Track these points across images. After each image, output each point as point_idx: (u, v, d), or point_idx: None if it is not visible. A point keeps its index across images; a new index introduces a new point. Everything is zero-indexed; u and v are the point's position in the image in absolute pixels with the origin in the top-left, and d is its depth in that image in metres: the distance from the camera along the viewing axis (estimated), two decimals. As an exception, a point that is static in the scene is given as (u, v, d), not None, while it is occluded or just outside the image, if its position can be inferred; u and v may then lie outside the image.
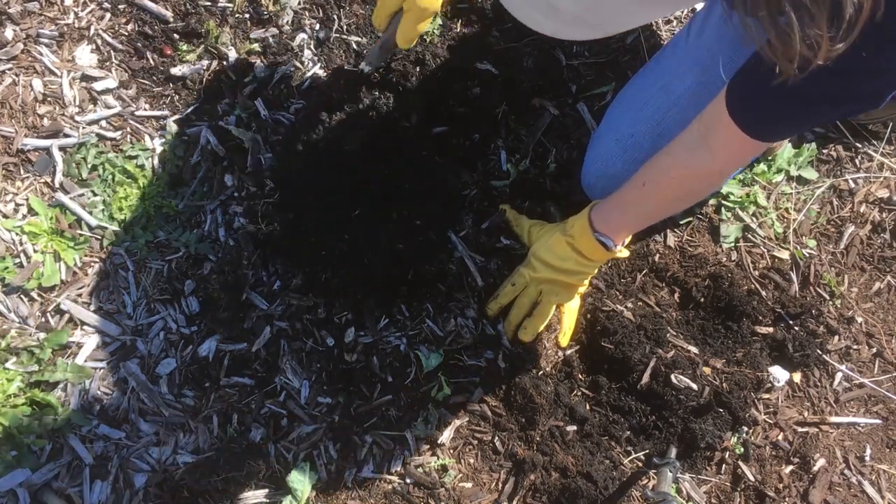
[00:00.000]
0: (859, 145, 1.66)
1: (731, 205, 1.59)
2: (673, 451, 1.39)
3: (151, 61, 1.62)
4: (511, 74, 1.61)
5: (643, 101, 1.44)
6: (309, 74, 1.61)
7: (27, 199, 1.50)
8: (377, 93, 1.57)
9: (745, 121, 1.01)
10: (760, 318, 1.49)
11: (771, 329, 1.50)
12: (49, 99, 1.57)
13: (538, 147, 1.59)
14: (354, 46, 1.63)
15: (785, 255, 1.57)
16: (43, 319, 1.44)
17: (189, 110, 1.59)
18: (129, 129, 1.58)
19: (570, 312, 1.43)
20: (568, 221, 1.38)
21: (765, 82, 0.92)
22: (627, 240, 1.38)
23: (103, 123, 1.57)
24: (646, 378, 1.42)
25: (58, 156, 1.53)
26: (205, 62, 1.61)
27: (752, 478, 1.42)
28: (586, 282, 1.42)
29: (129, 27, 1.63)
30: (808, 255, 1.57)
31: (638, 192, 1.25)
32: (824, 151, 1.66)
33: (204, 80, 1.60)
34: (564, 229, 1.36)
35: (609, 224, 1.31)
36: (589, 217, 1.32)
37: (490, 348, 1.47)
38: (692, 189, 1.24)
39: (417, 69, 1.60)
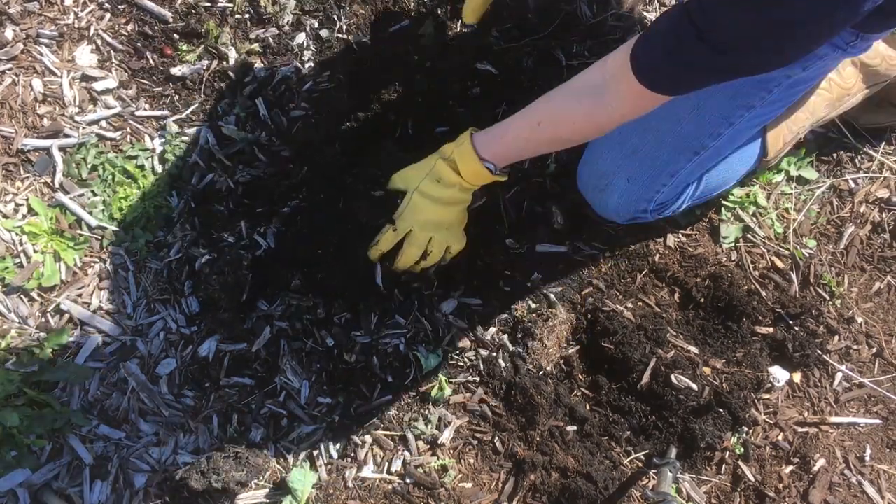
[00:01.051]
0: (859, 145, 1.66)
1: (731, 205, 1.59)
2: (673, 451, 1.39)
3: (151, 61, 1.62)
4: (511, 74, 1.61)
5: None
6: (310, 76, 1.61)
7: (27, 199, 1.50)
8: (378, 93, 1.57)
9: (651, 80, 1.05)
10: (760, 318, 1.49)
11: (771, 329, 1.50)
12: (49, 99, 1.57)
13: (538, 147, 1.59)
14: (354, 47, 1.63)
15: (785, 254, 1.57)
16: (43, 319, 1.44)
17: (189, 110, 1.59)
18: (129, 129, 1.58)
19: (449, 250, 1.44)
20: (443, 149, 1.37)
21: (667, 37, 0.99)
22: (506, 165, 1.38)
23: (103, 123, 1.57)
24: (646, 378, 1.42)
25: (58, 156, 1.53)
26: (205, 62, 1.61)
27: (752, 478, 1.42)
28: (465, 216, 1.43)
29: (129, 27, 1.63)
30: (808, 255, 1.57)
31: (532, 130, 1.27)
32: (824, 151, 1.66)
33: (204, 80, 1.60)
34: (443, 155, 1.36)
35: (494, 152, 1.32)
36: (472, 144, 1.33)
37: (490, 348, 1.47)
38: (586, 133, 1.26)
39: (417, 70, 1.60)
